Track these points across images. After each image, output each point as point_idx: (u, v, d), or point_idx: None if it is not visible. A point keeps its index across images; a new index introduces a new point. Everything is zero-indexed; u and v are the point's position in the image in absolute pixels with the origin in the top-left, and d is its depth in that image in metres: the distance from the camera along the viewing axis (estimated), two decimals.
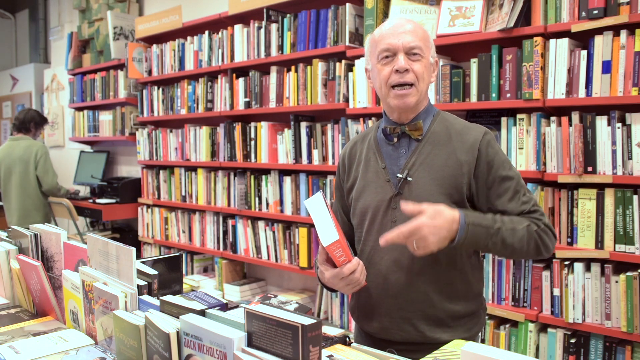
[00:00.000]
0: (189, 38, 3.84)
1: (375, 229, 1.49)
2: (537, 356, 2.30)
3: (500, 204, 1.43)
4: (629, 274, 2.07)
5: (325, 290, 3.13)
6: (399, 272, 1.45)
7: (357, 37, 2.93)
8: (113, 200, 4.41)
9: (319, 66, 2.99)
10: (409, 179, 1.45)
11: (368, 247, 1.51)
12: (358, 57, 2.85)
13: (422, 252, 1.31)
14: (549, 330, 2.27)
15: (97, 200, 4.43)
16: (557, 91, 2.21)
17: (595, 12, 2.10)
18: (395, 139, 1.51)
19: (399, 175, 1.46)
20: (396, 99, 1.45)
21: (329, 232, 1.32)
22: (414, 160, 1.46)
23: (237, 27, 3.45)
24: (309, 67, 3.05)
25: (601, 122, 2.11)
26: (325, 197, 1.39)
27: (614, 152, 2.08)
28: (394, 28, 1.46)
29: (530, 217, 1.42)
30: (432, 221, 1.29)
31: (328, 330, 2.85)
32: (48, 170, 4.31)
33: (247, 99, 3.41)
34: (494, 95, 2.37)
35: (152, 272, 1.36)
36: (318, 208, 1.37)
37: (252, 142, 3.39)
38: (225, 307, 1.22)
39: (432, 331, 1.45)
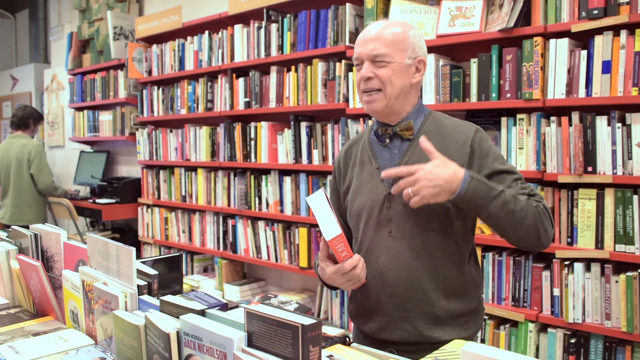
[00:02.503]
0: (189, 38, 3.84)
1: (370, 228, 1.50)
2: (537, 356, 2.30)
3: None
4: (629, 274, 2.07)
5: (325, 290, 3.15)
6: (396, 270, 1.46)
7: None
8: (113, 200, 4.41)
9: (319, 66, 2.99)
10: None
11: (365, 246, 1.52)
12: None
13: (416, 201, 1.31)
14: (549, 330, 2.27)
15: (97, 200, 4.43)
16: (557, 91, 2.21)
17: (595, 12, 2.10)
18: (388, 140, 1.52)
19: None
20: (365, 105, 1.50)
21: (331, 226, 1.35)
22: (406, 160, 1.48)
23: (237, 27, 3.45)
24: (309, 67, 3.05)
25: (601, 122, 2.11)
26: (327, 194, 1.42)
27: (614, 152, 2.08)
28: (363, 34, 1.50)
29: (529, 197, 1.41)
30: (432, 168, 1.31)
31: (328, 330, 2.85)
32: (42, 169, 4.31)
33: (247, 99, 3.41)
34: (494, 95, 2.37)
35: (152, 272, 1.36)
36: (320, 204, 1.40)
37: (252, 142, 3.39)
38: (225, 307, 1.22)
39: (430, 330, 1.46)
